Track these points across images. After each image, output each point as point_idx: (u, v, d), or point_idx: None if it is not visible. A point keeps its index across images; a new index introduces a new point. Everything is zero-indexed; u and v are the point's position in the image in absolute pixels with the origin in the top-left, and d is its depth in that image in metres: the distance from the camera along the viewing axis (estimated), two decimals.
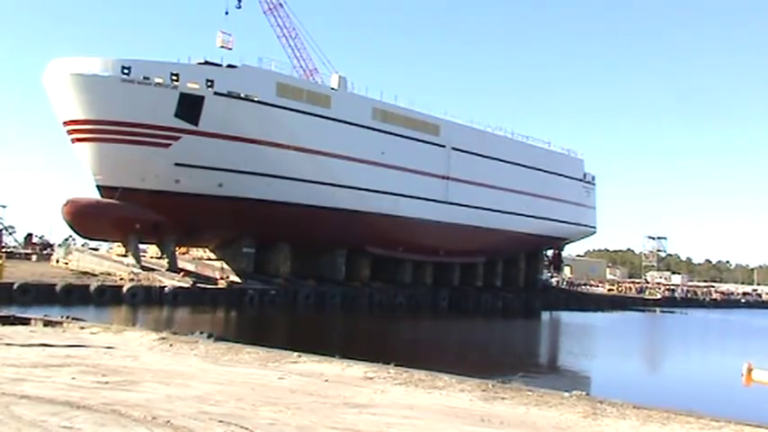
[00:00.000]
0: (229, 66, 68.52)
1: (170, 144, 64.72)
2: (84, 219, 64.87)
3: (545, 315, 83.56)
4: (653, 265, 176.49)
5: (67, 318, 26.73)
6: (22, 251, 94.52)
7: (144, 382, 13.86)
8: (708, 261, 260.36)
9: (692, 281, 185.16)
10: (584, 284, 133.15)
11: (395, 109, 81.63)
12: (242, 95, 67.14)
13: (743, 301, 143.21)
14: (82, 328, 24.13)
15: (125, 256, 70.62)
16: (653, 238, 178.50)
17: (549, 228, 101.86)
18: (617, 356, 45.65)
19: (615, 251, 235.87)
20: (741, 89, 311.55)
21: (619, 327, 76.92)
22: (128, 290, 56.86)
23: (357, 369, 17.13)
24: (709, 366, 44.25)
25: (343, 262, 78.53)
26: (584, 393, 15.17)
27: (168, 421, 10.20)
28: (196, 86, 64.96)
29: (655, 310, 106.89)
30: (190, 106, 64.41)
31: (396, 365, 17.78)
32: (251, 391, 13.31)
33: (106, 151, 64.70)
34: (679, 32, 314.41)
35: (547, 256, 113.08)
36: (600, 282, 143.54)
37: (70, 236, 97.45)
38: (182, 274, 65.19)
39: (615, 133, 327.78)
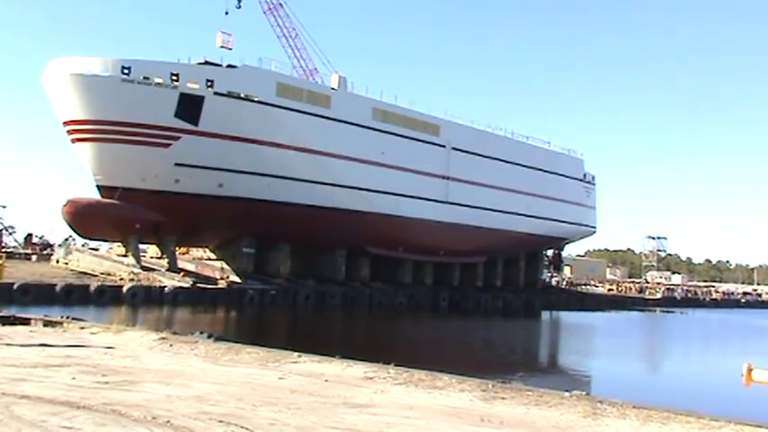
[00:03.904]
0: (229, 66, 68.54)
1: (170, 144, 64.74)
2: (84, 219, 64.89)
3: (545, 315, 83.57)
4: (653, 265, 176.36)
5: (67, 318, 26.71)
6: (22, 251, 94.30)
7: (144, 382, 13.86)
8: (708, 261, 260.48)
9: (692, 281, 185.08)
10: (585, 284, 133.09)
11: (395, 109, 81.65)
12: (242, 95, 67.17)
13: (743, 301, 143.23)
14: (82, 328, 24.11)
15: (125, 256, 70.62)
16: (653, 238, 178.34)
17: (549, 228, 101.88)
18: (617, 356, 45.62)
19: (615, 251, 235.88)
20: (742, 89, 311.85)
21: (619, 327, 76.88)
22: (128, 290, 56.89)
23: (357, 369, 17.12)
24: (709, 366, 44.23)
25: (343, 262, 78.55)
26: (584, 393, 15.16)
27: (168, 421, 10.20)
28: (196, 86, 64.98)
29: (655, 310, 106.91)
30: (190, 106, 64.44)
31: (396, 365, 17.76)
32: (251, 391, 13.30)
33: (106, 151, 64.73)
34: (680, 32, 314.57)
35: (547, 256, 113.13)
36: (600, 282, 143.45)
37: (70, 236, 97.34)
38: (182, 274, 65.20)
39: (615, 133, 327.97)
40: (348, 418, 11.29)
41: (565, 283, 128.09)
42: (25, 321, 25.59)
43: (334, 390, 14.02)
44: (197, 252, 77.83)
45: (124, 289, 57.12)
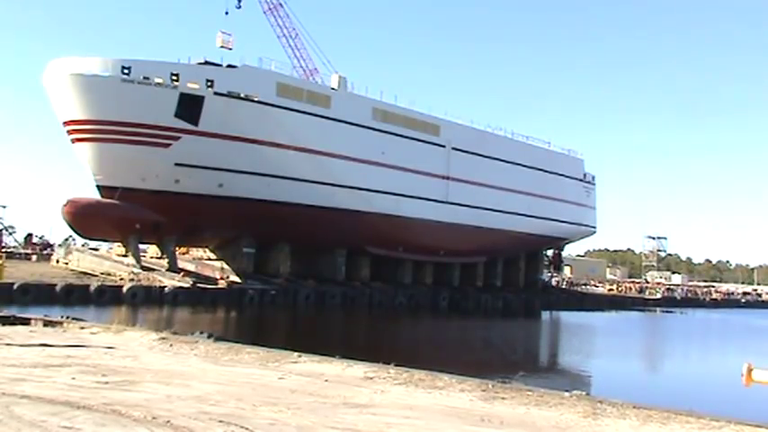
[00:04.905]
0: (229, 66, 68.54)
1: (170, 144, 64.73)
2: (84, 219, 64.88)
3: (545, 315, 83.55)
4: (653, 265, 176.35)
5: (67, 318, 26.69)
6: (22, 251, 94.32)
7: (144, 382, 13.86)
8: (708, 261, 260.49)
9: (692, 281, 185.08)
10: (585, 284, 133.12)
11: (395, 109, 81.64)
12: (242, 95, 67.17)
13: (743, 301, 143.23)
14: (82, 328, 24.11)
15: (125, 256, 70.63)
16: (653, 238, 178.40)
17: (549, 228, 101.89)
18: (617, 356, 45.63)
19: (615, 251, 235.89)
20: (742, 89, 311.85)
21: (619, 327, 76.90)
22: (128, 290, 56.86)
23: (357, 369, 17.12)
24: (709, 366, 44.23)
25: (343, 262, 78.53)
26: (584, 393, 15.15)
27: (168, 421, 10.20)
28: (196, 86, 64.98)
29: (655, 310, 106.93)
30: (190, 106, 64.43)
31: (396, 365, 17.75)
32: (251, 391, 13.30)
33: (106, 151, 64.72)
34: (680, 32, 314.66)
35: (547, 256, 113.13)
36: (600, 282, 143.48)
37: (70, 236, 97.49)
38: (182, 274, 65.18)
39: (615, 133, 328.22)
40: (348, 418, 11.29)
41: (565, 283, 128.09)
42: (25, 321, 25.58)
43: (335, 390, 14.02)
44: (197, 252, 77.81)
45: (124, 289, 57.09)
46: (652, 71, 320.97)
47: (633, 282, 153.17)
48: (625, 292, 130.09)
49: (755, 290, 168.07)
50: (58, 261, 74.70)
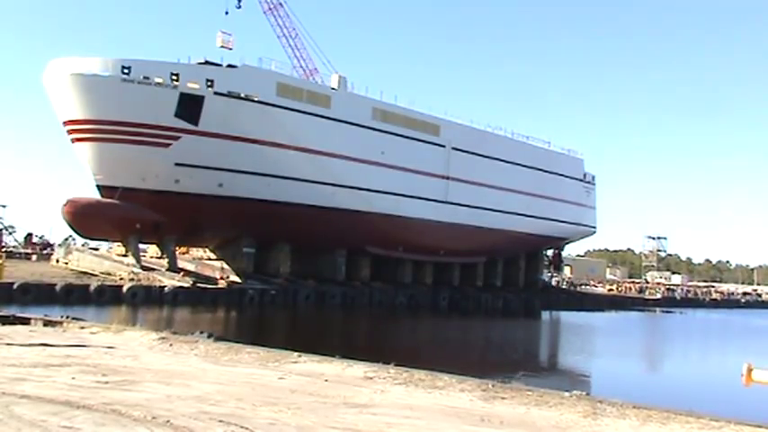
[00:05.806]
0: (229, 66, 68.52)
1: (170, 144, 64.72)
2: (84, 219, 64.87)
3: (545, 315, 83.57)
4: (653, 265, 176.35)
5: (67, 318, 26.70)
6: (22, 251, 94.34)
7: (144, 381, 13.86)
8: (708, 261, 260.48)
9: (692, 281, 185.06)
10: (584, 284, 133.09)
11: (395, 109, 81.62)
12: (242, 95, 67.16)
13: (743, 301, 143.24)
14: (82, 327, 24.11)
15: (125, 256, 70.64)
16: (653, 238, 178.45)
17: (549, 228, 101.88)
18: (617, 356, 45.63)
19: (615, 251, 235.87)
20: (741, 89, 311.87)
21: (619, 327, 76.89)
22: (128, 290, 56.85)
23: (357, 369, 17.12)
24: (709, 366, 44.24)
25: (343, 262, 78.52)
26: (584, 393, 15.16)
27: (168, 421, 10.20)
28: (196, 86, 64.96)
29: (655, 310, 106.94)
30: (190, 106, 64.41)
31: (396, 365, 17.76)
32: (251, 391, 13.31)
33: (106, 151, 64.71)
34: (680, 31, 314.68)
35: (547, 256, 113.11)
36: (600, 282, 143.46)
37: (70, 236, 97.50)
38: (182, 274, 65.16)
39: (615, 133, 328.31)
40: (348, 418, 11.30)
41: (565, 283, 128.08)
42: (25, 321, 25.59)
43: (335, 390, 14.02)
44: (197, 252, 77.81)
45: (124, 289, 57.08)
46: (652, 71, 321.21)
47: (633, 282, 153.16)
48: (625, 292, 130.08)
49: (755, 290, 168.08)
50: (57, 261, 74.68)
